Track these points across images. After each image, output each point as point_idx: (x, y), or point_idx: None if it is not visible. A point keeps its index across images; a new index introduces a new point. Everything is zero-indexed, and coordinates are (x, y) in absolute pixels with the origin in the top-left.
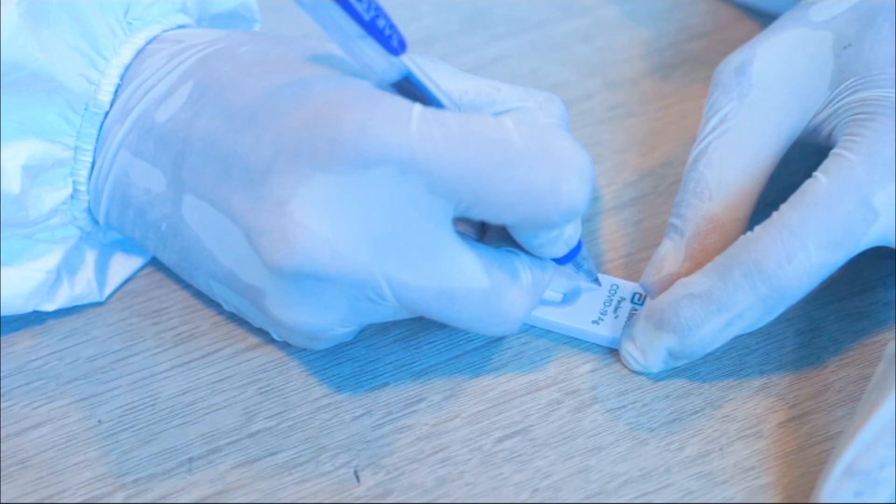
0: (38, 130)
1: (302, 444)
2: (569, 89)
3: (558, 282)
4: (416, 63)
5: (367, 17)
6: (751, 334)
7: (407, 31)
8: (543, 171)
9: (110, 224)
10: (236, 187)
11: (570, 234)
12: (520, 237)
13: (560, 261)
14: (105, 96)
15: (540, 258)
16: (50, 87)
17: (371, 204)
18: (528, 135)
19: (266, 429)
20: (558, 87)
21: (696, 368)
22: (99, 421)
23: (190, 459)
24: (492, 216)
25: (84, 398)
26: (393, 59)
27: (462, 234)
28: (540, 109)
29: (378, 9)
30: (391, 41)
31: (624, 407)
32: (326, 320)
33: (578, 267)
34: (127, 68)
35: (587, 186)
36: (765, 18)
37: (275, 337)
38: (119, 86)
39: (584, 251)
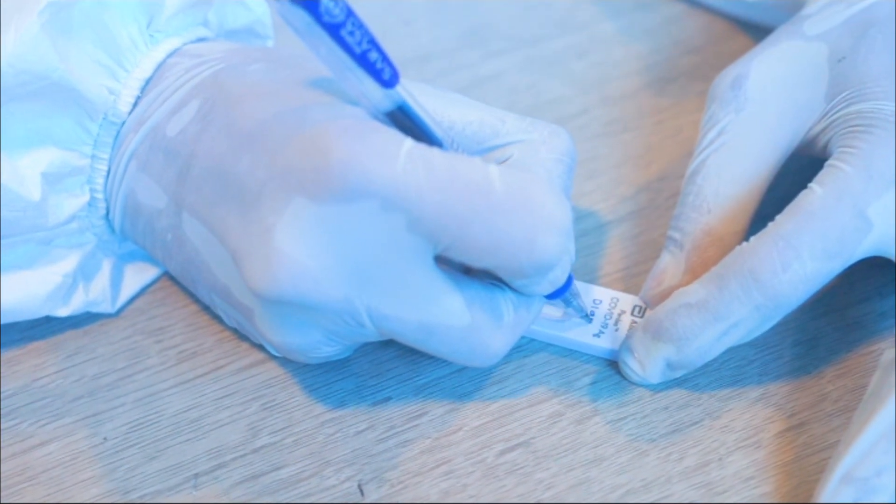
0: (57, 138)
1: (306, 459)
2: (565, 105)
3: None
4: (411, 94)
5: (358, 50)
6: (748, 346)
7: (404, 48)
8: (520, 223)
9: (125, 232)
10: (231, 208)
11: (555, 275)
12: (503, 277)
13: (549, 297)
14: (124, 107)
15: (528, 296)
16: (70, 97)
17: (354, 236)
18: (511, 184)
19: (270, 444)
20: (555, 103)
21: (694, 380)
22: (105, 438)
23: (196, 475)
24: (469, 260)
25: (89, 416)
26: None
27: (447, 270)
28: (543, 144)
29: (371, 41)
30: (383, 74)
31: (624, 419)
32: (310, 341)
33: (568, 303)
34: (147, 81)
35: (562, 242)
36: (759, 32)
37: (271, 352)
38: (139, 97)
39: (574, 288)
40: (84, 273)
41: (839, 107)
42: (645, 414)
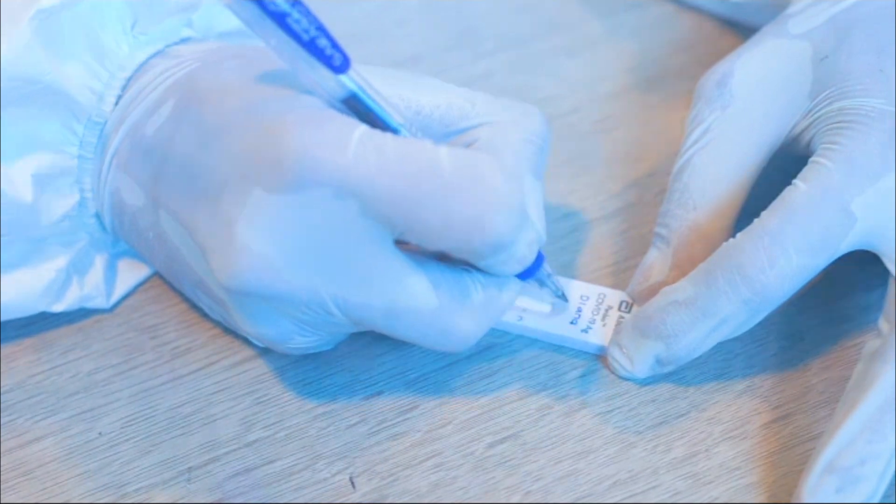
0: (45, 141)
1: (299, 453)
2: (555, 103)
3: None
4: (365, 79)
5: (306, 37)
6: (734, 339)
7: (397, 48)
8: (469, 203)
9: (115, 231)
10: (199, 203)
11: (522, 254)
12: (465, 259)
13: (521, 277)
14: (107, 107)
15: (499, 277)
16: (58, 99)
17: (312, 225)
18: (460, 165)
19: (263, 438)
20: (545, 102)
21: (681, 373)
22: (99, 433)
23: (189, 469)
24: (426, 243)
25: (84, 411)
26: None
27: (415, 255)
28: (513, 125)
29: (319, 28)
30: (333, 60)
31: (612, 411)
32: (283, 331)
33: (542, 283)
34: (129, 81)
35: (513, 221)
36: (745, 32)
37: (257, 345)
38: (120, 97)
39: (545, 268)
40: (77, 269)
41: (822, 104)
42: (632, 407)
